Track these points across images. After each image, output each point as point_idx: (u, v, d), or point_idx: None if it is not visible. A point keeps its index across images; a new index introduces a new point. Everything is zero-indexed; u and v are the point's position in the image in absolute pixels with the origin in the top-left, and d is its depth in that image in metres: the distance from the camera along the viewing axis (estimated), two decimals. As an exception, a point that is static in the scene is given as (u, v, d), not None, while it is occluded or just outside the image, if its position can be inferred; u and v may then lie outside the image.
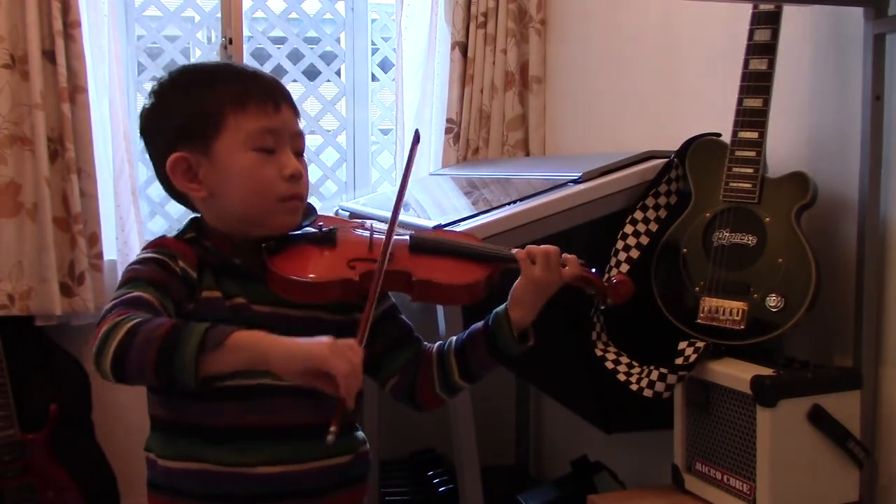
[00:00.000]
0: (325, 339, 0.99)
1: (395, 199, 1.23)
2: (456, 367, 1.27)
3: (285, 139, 1.20)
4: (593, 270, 1.25)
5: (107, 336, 1.02)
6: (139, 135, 1.26)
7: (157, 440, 1.21)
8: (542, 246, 1.22)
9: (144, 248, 1.19)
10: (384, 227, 1.23)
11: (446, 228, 1.72)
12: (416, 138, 1.28)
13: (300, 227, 1.24)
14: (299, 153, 1.23)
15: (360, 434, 1.28)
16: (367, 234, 1.25)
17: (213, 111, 1.17)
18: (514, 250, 1.23)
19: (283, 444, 1.18)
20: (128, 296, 1.09)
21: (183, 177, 1.19)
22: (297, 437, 1.18)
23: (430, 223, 1.87)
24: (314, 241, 1.22)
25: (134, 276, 1.13)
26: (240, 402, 1.16)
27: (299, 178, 1.20)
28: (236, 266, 1.20)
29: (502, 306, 1.24)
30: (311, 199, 1.58)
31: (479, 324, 1.26)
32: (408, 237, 1.24)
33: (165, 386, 1.02)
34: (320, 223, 1.26)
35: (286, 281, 1.16)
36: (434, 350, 1.30)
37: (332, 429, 1.00)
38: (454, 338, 1.29)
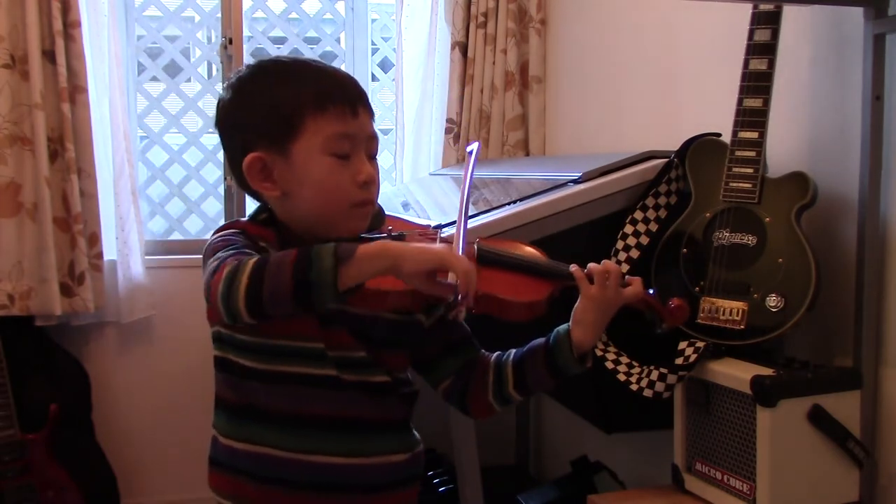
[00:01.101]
0: (441, 244, 1.09)
1: (462, 201, 1.23)
2: (511, 378, 1.27)
3: (361, 143, 1.20)
4: (651, 291, 1.25)
5: (234, 275, 1.03)
6: (214, 126, 1.25)
7: (223, 420, 1.23)
8: (602, 264, 1.22)
9: (219, 230, 1.18)
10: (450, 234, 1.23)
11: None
12: (475, 149, 1.30)
13: (370, 231, 1.23)
14: (372, 156, 1.22)
15: (416, 435, 1.29)
16: (434, 240, 1.24)
17: (292, 112, 1.17)
18: (573, 267, 1.22)
19: (345, 436, 1.19)
20: (235, 251, 1.09)
21: (258, 176, 1.19)
22: (360, 431, 1.20)
23: (431, 223, 1.87)
24: None
25: (229, 243, 1.13)
26: (307, 389, 1.17)
27: (372, 183, 1.20)
28: None
29: (564, 326, 1.25)
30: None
31: (540, 340, 1.27)
32: (475, 247, 1.23)
33: (302, 307, 1.03)
34: (389, 227, 1.26)
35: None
36: (492, 359, 1.31)
37: (461, 312, 1.09)
38: (514, 350, 1.30)
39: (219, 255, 1.10)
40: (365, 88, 1.24)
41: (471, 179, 1.28)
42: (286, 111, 1.17)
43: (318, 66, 1.24)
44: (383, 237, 1.23)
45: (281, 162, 1.18)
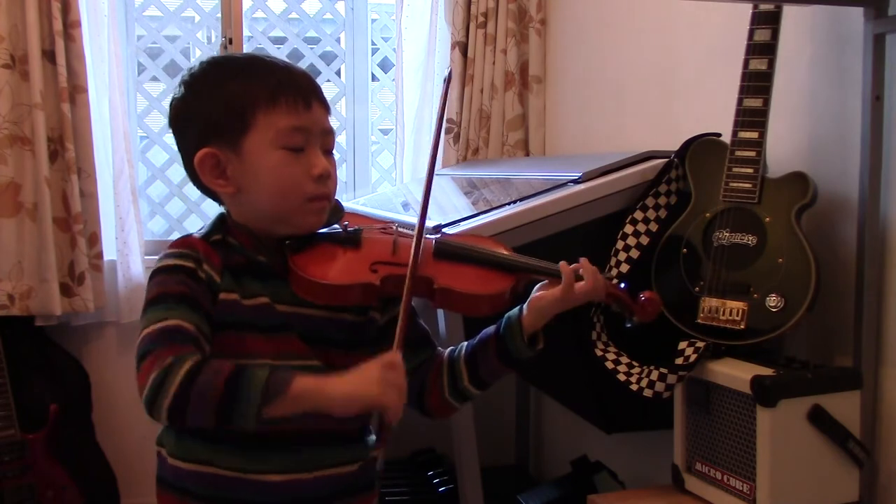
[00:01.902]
0: (374, 374, 1.05)
1: (423, 190, 1.22)
2: (465, 372, 1.26)
3: (315, 137, 1.19)
4: (622, 286, 1.24)
5: (161, 382, 1.02)
6: (168, 125, 1.23)
7: (170, 438, 1.21)
8: (582, 261, 1.22)
9: (172, 247, 1.17)
10: (410, 228, 1.22)
11: (448, 230, 1.71)
12: (448, 78, 1.28)
13: (327, 225, 1.22)
14: (329, 151, 1.22)
15: (371, 438, 1.27)
16: (392, 235, 1.23)
17: (243, 107, 1.16)
18: (561, 264, 1.21)
19: (293, 452, 1.17)
20: (165, 326, 1.08)
21: (211, 172, 1.17)
22: (306, 446, 1.18)
23: (431, 223, 1.87)
24: (338, 242, 1.21)
25: (163, 291, 1.12)
26: None
27: (327, 177, 1.19)
28: (260, 264, 1.18)
29: (515, 310, 1.23)
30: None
31: (491, 328, 1.25)
32: (433, 242, 1.22)
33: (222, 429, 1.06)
34: (345, 222, 1.25)
35: (307, 282, 1.15)
36: (445, 355, 1.29)
37: (374, 445, 1.18)
38: (465, 343, 1.28)
39: (150, 315, 1.09)
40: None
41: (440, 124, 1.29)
42: (237, 106, 1.16)
43: (270, 60, 1.22)
44: (339, 232, 1.22)
45: (233, 157, 1.16)
